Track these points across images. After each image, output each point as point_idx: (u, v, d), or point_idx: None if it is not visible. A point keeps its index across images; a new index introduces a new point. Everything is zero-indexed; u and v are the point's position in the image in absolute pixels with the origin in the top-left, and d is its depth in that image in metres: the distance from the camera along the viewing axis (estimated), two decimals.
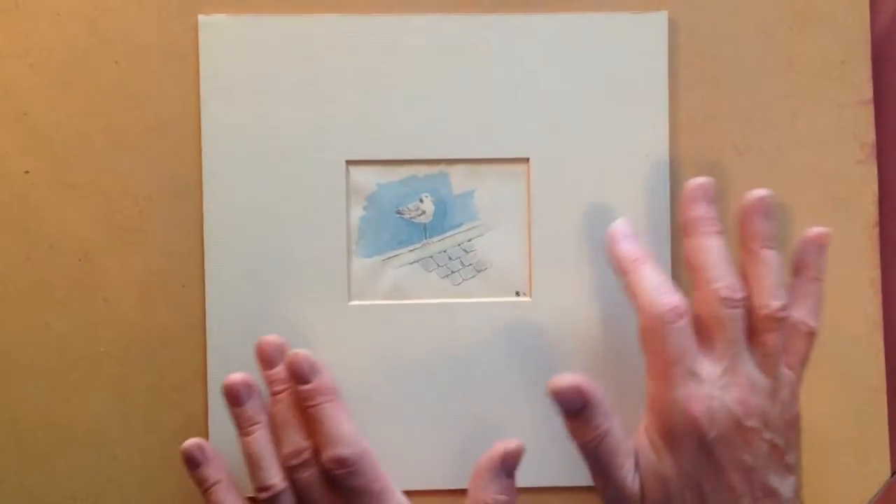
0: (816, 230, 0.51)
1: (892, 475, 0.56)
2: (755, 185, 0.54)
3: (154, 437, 0.55)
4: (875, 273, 0.56)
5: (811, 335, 0.50)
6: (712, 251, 0.49)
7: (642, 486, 0.48)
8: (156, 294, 0.55)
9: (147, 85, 0.55)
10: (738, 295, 0.48)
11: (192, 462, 0.50)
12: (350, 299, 0.55)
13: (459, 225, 0.55)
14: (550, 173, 0.55)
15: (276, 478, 0.49)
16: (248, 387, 0.51)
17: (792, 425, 0.49)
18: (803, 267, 0.51)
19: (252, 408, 0.50)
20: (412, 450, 0.54)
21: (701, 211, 0.50)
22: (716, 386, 0.47)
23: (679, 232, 0.54)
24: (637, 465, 0.48)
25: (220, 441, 0.54)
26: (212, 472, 0.50)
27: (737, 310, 0.48)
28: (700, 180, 0.50)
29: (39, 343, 0.54)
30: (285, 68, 0.54)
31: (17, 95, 0.54)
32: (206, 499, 0.50)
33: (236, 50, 0.54)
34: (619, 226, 0.51)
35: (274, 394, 0.51)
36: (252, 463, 0.50)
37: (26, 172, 0.54)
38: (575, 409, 0.47)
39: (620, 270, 0.50)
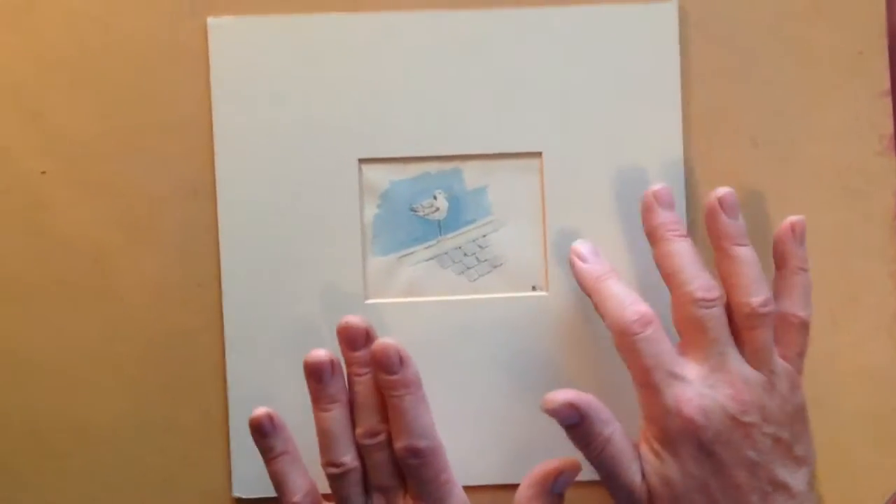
0: (791, 219, 0.51)
1: None
2: (772, 179, 0.55)
3: (172, 437, 0.55)
4: (895, 266, 0.55)
5: (804, 325, 0.50)
6: (681, 255, 0.49)
7: (650, 489, 0.48)
8: (171, 293, 0.55)
9: (160, 85, 0.55)
10: (713, 294, 0.49)
11: (261, 431, 0.51)
12: (366, 298, 0.55)
13: (473, 221, 0.55)
14: (563, 167, 0.55)
15: (348, 456, 0.50)
16: (333, 365, 0.51)
17: (797, 417, 0.49)
18: (784, 258, 0.51)
19: (334, 385, 0.51)
20: None
21: (661, 217, 0.51)
22: (704, 385, 0.48)
23: (695, 224, 0.54)
24: (643, 469, 0.49)
25: (240, 439, 0.54)
26: (279, 442, 0.51)
27: (713, 308, 0.48)
28: (655, 188, 0.51)
29: (56, 343, 0.55)
30: (296, 68, 0.54)
31: (31, 96, 0.54)
32: (271, 468, 0.51)
33: (246, 51, 0.54)
34: (579, 246, 0.52)
35: (355, 375, 0.51)
36: (326, 439, 0.51)
37: (42, 173, 0.54)
38: (573, 423, 0.48)
39: (585, 291, 0.51)
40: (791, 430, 0.48)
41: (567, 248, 0.54)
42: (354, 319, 0.51)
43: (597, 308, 0.50)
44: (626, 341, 0.49)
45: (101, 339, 0.55)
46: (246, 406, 0.53)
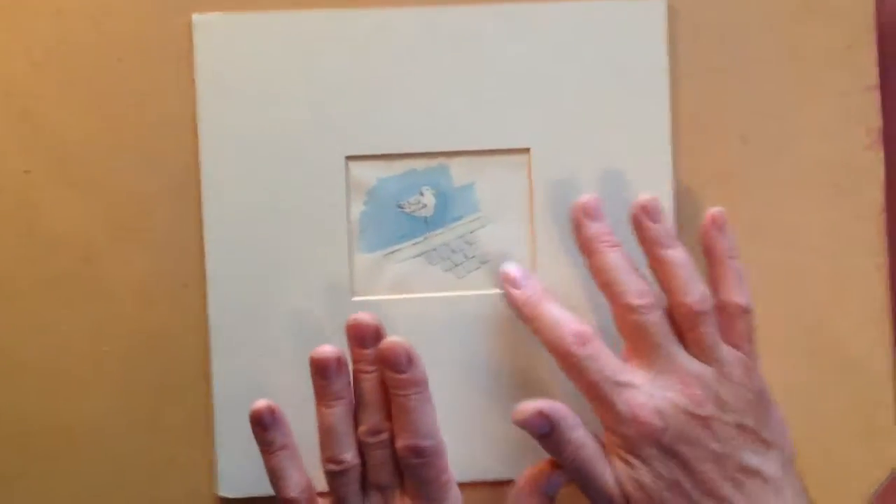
0: (710, 211, 0.51)
1: None
2: (762, 176, 0.55)
3: (158, 437, 0.55)
4: (882, 259, 0.55)
5: (746, 312, 0.50)
6: (613, 265, 0.50)
7: (626, 494, 0.49)
8: (158, 293, 0.54)
9: (145, 83, 0.54)
10: (647, 299, 0.49)
11: (262, 424, 0.51)
12: (353, 295, 0.54)
13: (461, 217, 0.55)
14: (551, 163, 0.54)
15: (349, 453, 0.50)
16: (340, 362, 0.51)
17: (758, 402, 0.49)
18: (712, 250, 0.51)
19: (339, 382, 0.51)
20: None
21: (591, 230, 0.51)
22: (654, 387, 0.49)
23: (683, 219, 0.55)
24: (616, 475, 0.49)
25: (226, 439, 0.54)
26: (279, 436, 0.51)
27: (652, 313, 0.49)
28: (582, 200, 0.51)
29: (42, 343, 0.54)
30: (281, 65, 0.54)
31: (18, 93, 0.54)
32: (269, 462, 0.51)
33: (232, 48, 0.54)
34: (509, 270, 0.53)
35: (362, 372, 0.51)
36: (328, 436, 0.50)
37: (27, 172, 0.54)
38: (545, 432, 0.49)
39: (520, 317, 0.52)
40: (754, 415, 0.49)
41: (557, 243, 0.54)
42: (365, 317, 0.51)
43: (534, 333, 0.51)
44: (568, 363, 0.49)
45: (87, 338, 0.54)
46: (231, 406, 0.53)
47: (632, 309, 0.49)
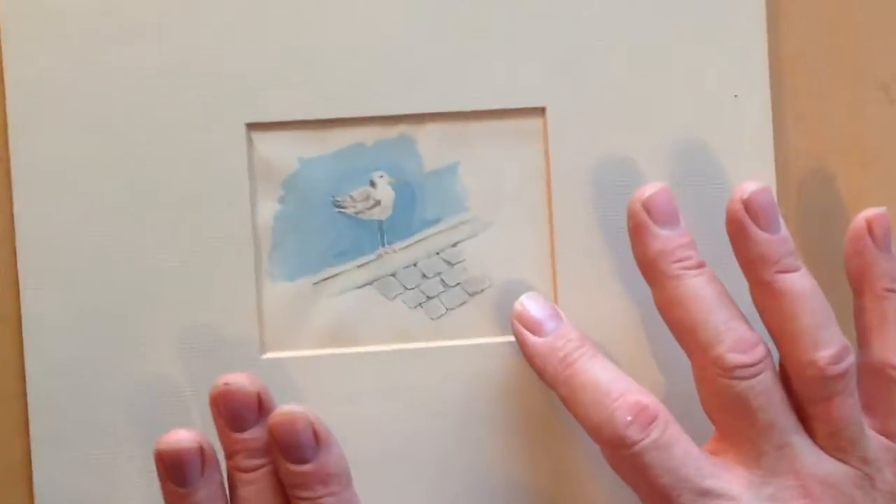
0: (866, 214, 0.42)
1: None
2: None
3: None
4: None
5: None
6: (698, 299, 0.41)
7: None
8: None
9: None
10: (756, 354, 0.40)
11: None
12: (264, 350, 0.44)
13: (437, 221, 0.44)
14: (578, 131, 0.43)
15: None
16: (204, 455, 0.41)
17: None
18: (863, 277, 0.42)
19: (205, 488, 0.41)
20: None
21: (660, 241, 0.41)
22: (760, 500, 0.40)
23: (790, 220, 0.43)
24: None
25: None
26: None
27: (759, 376, 0.40)
28: (646, 192, 0.41)
29: None
30: None
31: None
32: None
33: None
34: (527, 307, 0.43)
35: (241, 471, 0.41)
36: None
37: None
38: None
39: (544, 381, 0.43)
40: None
41: (584, 260, 0.44)
42: (238, 379, 0.40)
43: (565, 406, 0.42)
44: (620, 456, 0.40)
45: None
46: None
47: (729, 370, 0.40)
